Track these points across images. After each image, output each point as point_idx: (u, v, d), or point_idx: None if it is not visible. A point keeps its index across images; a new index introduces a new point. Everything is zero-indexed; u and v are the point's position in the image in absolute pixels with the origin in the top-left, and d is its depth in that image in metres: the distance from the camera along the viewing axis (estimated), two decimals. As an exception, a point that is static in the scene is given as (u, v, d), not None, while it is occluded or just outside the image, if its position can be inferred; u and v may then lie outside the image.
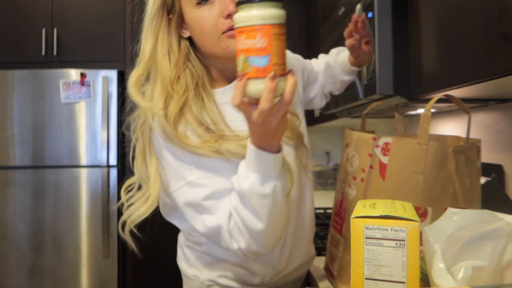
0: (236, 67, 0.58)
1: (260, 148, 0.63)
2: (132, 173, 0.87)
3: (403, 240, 0.50)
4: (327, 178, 2.72)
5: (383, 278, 0.51)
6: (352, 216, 0.53)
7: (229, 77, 0.81)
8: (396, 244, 0.50)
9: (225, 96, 0.77)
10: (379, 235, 0.51)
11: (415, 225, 0.50)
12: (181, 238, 0.94)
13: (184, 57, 0.78)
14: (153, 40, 0.78)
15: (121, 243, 2.47)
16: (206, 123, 0.73)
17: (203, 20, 0.73)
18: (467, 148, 0.71)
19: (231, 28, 0.71)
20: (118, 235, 2.38)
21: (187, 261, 0.90)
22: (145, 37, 0.80)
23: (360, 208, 0.56)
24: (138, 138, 0.81)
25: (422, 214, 0.69)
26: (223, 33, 0.72)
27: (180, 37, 0.79)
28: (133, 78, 0.77)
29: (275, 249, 0.80)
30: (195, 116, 0.73)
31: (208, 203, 0.72)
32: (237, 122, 0.72)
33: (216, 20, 0.72)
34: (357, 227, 0.52)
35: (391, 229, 0.51)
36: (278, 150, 0.65)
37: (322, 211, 1.85)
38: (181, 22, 0.78)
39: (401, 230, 0.50)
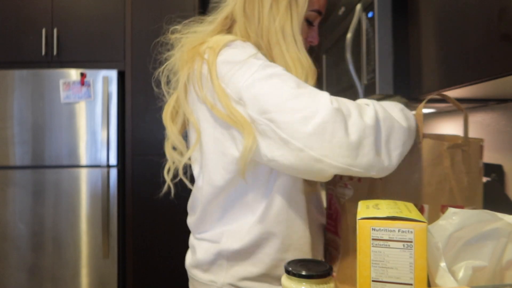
0: None
1: None
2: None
3: (411, 241, 0.50)
4: (327, 178, 2.72)
5: (390, 280, 0.51)
6: (358, 217, 0.53)
7: None
8: (403, 245, 0.50)
9: None
10: (386, 237, 0.51)
11: (423, 226, 0.50)
12: (194, 240, 0.88)
13: None
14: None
15: (121, 243, 2.47)
16: None
17: (302, 29, 0.82)
18: (463, 146, 0.71)
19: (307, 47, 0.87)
20: (118, 235, 2.39)
21: (201, 267, 0.84)
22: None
23: (364, 209, 0.56)
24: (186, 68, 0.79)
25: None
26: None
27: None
28: None
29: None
30: None
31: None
32: None
33: (305, 37, 0.86)
34: (364, 229, 0.52)
35: (398, 230, 0.50)
36: None
37: (322, 211, 1.85)
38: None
39: (408, 231, 0.50)
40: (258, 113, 0.66)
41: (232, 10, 0.83)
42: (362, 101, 0.70)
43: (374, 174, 0.65)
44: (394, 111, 0.69)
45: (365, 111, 0.65)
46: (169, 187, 0.86)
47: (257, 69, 0.69)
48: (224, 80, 0.72)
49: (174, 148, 0.87)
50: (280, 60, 0.78)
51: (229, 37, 0.78)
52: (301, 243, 0.80)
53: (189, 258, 0.89)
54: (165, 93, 0.86)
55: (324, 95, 0.64)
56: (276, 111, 0.64)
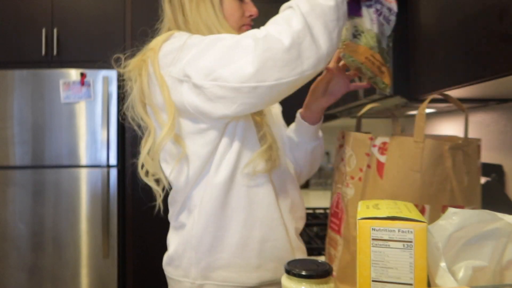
0: None
1: None
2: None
3: (411, 241, 0.50)
4: (327, 178, 2.72)
5: (390, 280, 0.50)
6: (358, 217, 0.53)
7: None
8: (403, 245, 0.50)
9: None
10: (386, 237, 0.51)
11: (423, 226, 0.49)
12: (168, 235, 0.92)
13: None
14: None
15: (121, 243, 2.47)
16: None
17: (236, 10, 0.88)
18: (464, 146, 0.71)
19: (248, 23, 0.92)
20: (118, 235, 2.39)
21: (173, 263, 0.87)
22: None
23: (364, 209, 0.56)
24: (135, 80, 0.84)
25: (420, 212, 0.69)
26: (242, 25, 0.90)
27: None
28: None
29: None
30: None
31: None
32: None
33: (241, 14, 0.90)
34: (364, 229, 0.52)
35: (398, 230, 0.50)
36: None
37: (322, 211, 1.85)
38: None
39: (408, 231, 0.50)
40: (203, 79, 0.71)
41: (168, 20, 0.91)
42: (285, 7, 0.72)
43: (323, 65, 0.69)
44: None
45: (291, 19, 0.67)
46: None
47: (195, 44, 0.76)
48: (170, 68, 0.78)
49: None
50: None
51: (167, 33, 0.84)
52: (268, 218, 0.83)
53: (164, 256, 0.92)
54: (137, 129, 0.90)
55: (250, 34, 0.71)
56: (217, 69, 0.70)
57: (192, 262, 0.84)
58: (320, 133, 0.97)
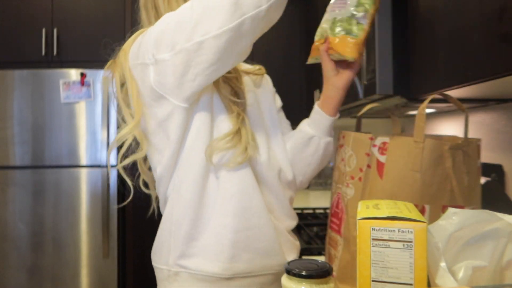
0: None
1: None
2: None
3: (411, 241, 0.50)
4: (327, 178, 2.72)
5: (390, 280, 0.51)
6: (358, 217, 0.53)
7: None
8: (403, 245, 0.50)
9: None
10: (386, 237, 0.51)
11: (423, 226, 0.50)
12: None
13: None
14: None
15: (121, 243, 2.47)
16: None
17: None
18: (464, 146, 0.71)
19: None
20: (118, 235, 2.39)
21: (156, 252, 0.88)
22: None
23: (364, 209, 0.56)
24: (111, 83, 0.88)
25: (420, 212, 0.69)
26: None
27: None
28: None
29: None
30: None
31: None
32: None
33: None
34: (364, 229, 0.51)
35: (398, 230, 0.50)
36: None
37: (322, 211, 1.85)
38: None
39: (408, 231, 0.50)
40: (162, 52, 0.74)
41: (143, 24, 0.93)
42: None
43: (265, 6, 0.69)
44: None
45: None
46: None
47: (154, 27, 0.78)
48: (138, 58, 0.80)
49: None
50: None
51: (137, 33, 0.86)
52: (242, 208, 0.82)
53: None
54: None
55: None
56: (169, 37, 0.73)
57: (170, 249, 0.84)
58: (333, 132, 0.95)
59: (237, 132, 0.81)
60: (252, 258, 0.83)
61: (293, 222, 0.94)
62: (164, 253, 0.85)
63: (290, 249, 0.91)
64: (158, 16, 0.88)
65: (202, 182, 0.81)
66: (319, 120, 0.91)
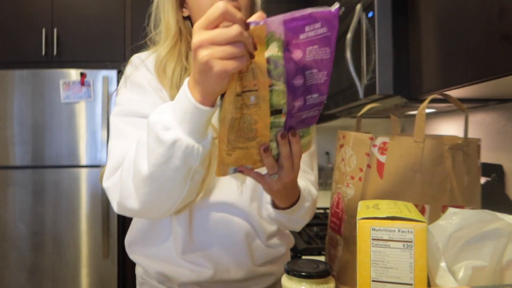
0: None
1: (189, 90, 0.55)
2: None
3: (411, 241, 0.50)
4: (327, 178, 2.72)
5: (390, 280, 0.51)
6: (358, 217, 0.53)
7: None
8: (403, 245, 0.50)
9: None
10: (386, 237, 0.51)
11: (423, 226, 0.50)
12: None
13: (190, 34, 0.81)
14: (173, 14, 0.81)
15: (121, 243, 2.47)
16: None
17: (198, 2, 0.76)
18: (464, 146, 0.71)
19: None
20: (118, 235, 2.39)
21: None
22: (165, 13, 0.82)
23: (364, 209, 0.56)
24: None
25: (420, 212, 0.69)
26: None
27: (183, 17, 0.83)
28: (162, 55, 0.80)
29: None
30: None
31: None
32: None
33: (212, 2, 0.72)
34: (364, 229, 0.52)
35: (398, 230, 0.50)
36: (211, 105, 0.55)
37: (322, 211, 1.85)
38: (182, 2, 0.82)
39: (408, 231, 0.50)
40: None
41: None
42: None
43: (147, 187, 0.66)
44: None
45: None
46: None
47: (115, 109, 0.81)
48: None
49: None
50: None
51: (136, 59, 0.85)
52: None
53: None
54: None
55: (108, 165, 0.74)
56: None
57: (131, 250, 0.91)
58: (308, 199, 0.81)
59: None
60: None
61: None
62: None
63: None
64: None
65: None
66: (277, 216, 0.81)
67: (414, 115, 1.62)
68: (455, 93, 0.92)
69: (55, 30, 2.58)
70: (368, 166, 0.74)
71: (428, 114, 1.63)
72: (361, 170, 0.75)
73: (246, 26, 0.48)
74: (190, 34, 0.81)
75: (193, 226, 0.81)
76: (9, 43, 2.59)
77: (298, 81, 0.54)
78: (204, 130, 0.58)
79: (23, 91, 2.35)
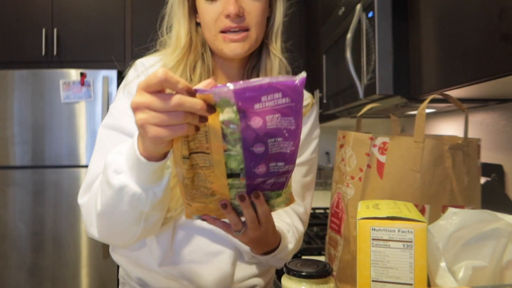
0: None
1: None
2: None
3: (411, 241, 0.50)
4: (327, 178, 2.72)
5: (390, 280, 0.51)
6: (358, 217, 0.53)
7: (227, 74, 0.82)
8: (403, 245, 0.50)
9: None
10: (386, 237, 0.51)
11: (423, 226, 0.50)
12: None
13: (201, 42, 0.78)
14: (185, 23, 0.77)
15: (121, 243, 2.47)
16: None
17: (206, 12, 0.72)
18: (464, 146, 0.71)
19: (228, 29, 0.71)
20: (118, 235, 2.39)
21: None
22: (176, 21, 0.78)
23: (364, 209, 0.56)
24: None
25: (420, 212, 0.69)
26: (221, 31, 0.72)
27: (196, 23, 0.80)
28: (170, 65, 0.76)
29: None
30: None
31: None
32: None
33: (216, 16, 0.71)
34: (364, 229, 0.52)
35: (398, 230, 0.50)
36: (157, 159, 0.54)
37: (322, 211, 1.85)
38: (195, 7, 0.78)
39: (408, 231, 0.50)
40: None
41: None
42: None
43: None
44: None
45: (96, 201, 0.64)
46: None
47: (106, 118, 0.79)
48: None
49: None
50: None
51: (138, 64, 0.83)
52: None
53: None
54: None
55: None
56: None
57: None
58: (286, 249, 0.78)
59: None
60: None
61: None
62: None
63: None
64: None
65: None
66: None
67: (414, 115, 1.62)
68: (455, 93, 0.92)
69: (55, 30, 2.58)
70: (368, 166, 0.74)
71: (428, 114, 1.63)
72: (361, 170, 0.75)
73: (192, 93, 0.46)
74: (201, 43, 0.78)
75: (175, 241, 0.78)
76: (9, 43, 2.59)
77: (259, 149, 0.51)
78: (155, 179, 0.56)
79: (23, 91, 2.35)
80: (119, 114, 0.76)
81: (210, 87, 0.47)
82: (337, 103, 1.50)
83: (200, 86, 0.48)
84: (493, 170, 1.21)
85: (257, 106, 0.46)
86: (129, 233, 0.65)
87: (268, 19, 0.80)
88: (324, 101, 1.73)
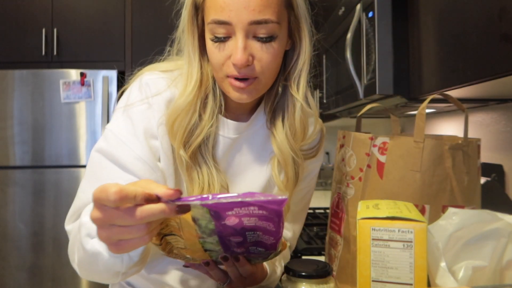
0: None
1: None
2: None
3: (411, 241, 0.50)
4: (327, 178, 2.72)
5: (390, 280, 0.51)
6: (358, 217, 0.53)
7: (240, 111, 0.78)
8: (403, 245, 0.50)
9: (224, 128, 0.75)
10: (386, 237, 0.51)
11: (423, 226, 0.50)
12: None
13: (212, 77, 0.73)
14: (197, 59, 0.71)
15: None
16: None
17: (213, 54, 0.67)
18: (464, 146, 0.71)
19: (235, 76, 0.66)
20: (118, 235, 2.39)
21: None
22: (188, 55, 0.72)
23: (364, 209, 0.56)
24: None
25: (420, 212, 0.69)
26: (228, 76, 0.67)
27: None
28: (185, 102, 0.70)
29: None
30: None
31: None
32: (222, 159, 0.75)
33: (223, 61, 0.66)
34: (364, 229, 0.52)
35: (398, 230, 0.50)
36: None
37: (322, 211, 1.85)
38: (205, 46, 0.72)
39: (408, 231, 0.50)
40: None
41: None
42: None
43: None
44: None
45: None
46: None
47: (101, 140, 0.72)
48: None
49: None
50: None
51: (149, 67, 0.77)
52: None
53: None
54: None
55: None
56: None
57: None
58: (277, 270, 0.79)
59: None
60: None
61: None
62: None
63: None
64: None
65: None
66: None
67: (414, 115, 1.62)
68: (455, 93, 0.92)
69: (55, 30, 2.58)
70: (368, 166, 0.74)
71: (428, 114, 1.63)
72: (361, 170, 0.75)
73: (157, 200, 0.45)
74: (212, 78, 0.72)
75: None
76: (9, 43, 2.59)
77: (236, 239, 0.51)
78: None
79: (23, 91, 2.35)
80: (114, 140, 0.70)
81: (174, 197, 0.44)
82: (337, 103, 1.50)
83: (162, 194, 0.45)
84: (493, 170, 1.21)
85: (229, 212, 0.46)
86: (110, 281, 0.66)
87: (286, 53, 0.72)
88: (324, 101, 1.73)
